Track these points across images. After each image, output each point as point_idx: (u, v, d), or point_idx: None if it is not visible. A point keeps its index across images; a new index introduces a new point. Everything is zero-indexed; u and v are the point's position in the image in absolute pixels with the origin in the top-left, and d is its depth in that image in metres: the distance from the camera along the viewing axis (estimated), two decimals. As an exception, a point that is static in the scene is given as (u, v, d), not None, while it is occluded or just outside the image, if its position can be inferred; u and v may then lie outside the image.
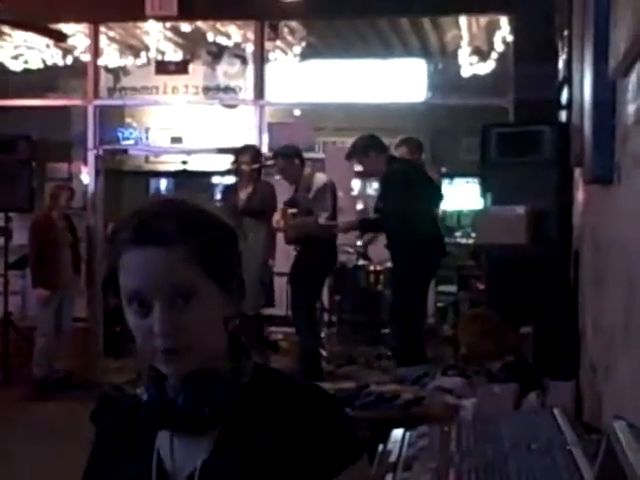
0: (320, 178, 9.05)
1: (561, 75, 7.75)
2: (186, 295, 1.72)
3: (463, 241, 12.98)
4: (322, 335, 9.90)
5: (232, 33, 12.09)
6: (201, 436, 1.79)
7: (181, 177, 15.61)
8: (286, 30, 12.19)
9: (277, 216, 9.01)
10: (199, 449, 1.79)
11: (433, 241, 8.40)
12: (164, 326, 1.71)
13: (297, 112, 13.47)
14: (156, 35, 11.92)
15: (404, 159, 9.01)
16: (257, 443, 1.76)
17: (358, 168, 9.34)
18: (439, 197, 9.07)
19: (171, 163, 15.02)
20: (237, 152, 9.50)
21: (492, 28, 11.43)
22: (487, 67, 12.18)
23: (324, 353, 9.60)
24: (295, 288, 8.92)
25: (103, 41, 11.88)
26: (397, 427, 2.80)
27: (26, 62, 12.65)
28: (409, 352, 7.90)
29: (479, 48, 12.29)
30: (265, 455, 1.74)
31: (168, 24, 11.57)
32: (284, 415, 1.76)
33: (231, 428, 1.78)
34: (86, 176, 11.36)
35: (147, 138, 14.53)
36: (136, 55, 12.83)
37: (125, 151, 14.01)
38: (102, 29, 11.62)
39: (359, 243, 10.55)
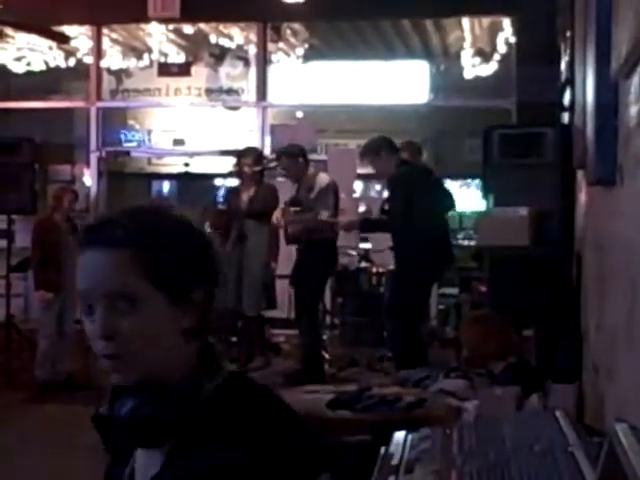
0: (323, 178, 9.04)
1: (563, 77, 7.75)
2: (130, 301, 1.67)
3: (465, 243, 12.98)
4: (324, 337, 9.89)
5: (235, 35, 12.11)
6: (157, 450, 1.73)
7: (183, 179, 15.62)
8: (289, 32, 12.21)
9: (277, 213, 8.96)
10: (155, 463, 1.74)
11: (439, 245, 8.36)
12: (101, 329, 1.69)
13: (300, 114, 13.48)
14: (159, 37, 11.94)
15: (413, 163, 8.98)
16: (208, 458, 1.66)
17: (368, 168, 9.34)
18: (450, 202, 9.02)
19: (173, 165, 15.03)
20: (240, 154, 9.50)
21: (494, 30, 11.45)
22: (489, 69, 12.19)
23: (326, 355, 9.59)
24: (297, 290, 8.91)
25: (106, 43, 11.91)
26: (399, 430, 2.79)
27: (29, 64, 12.67)
28: (410, 355, 7.89)
29: (482, 50, 12.30)
30: (215, 470, 1.65)
31: (171, 26, 11.60)
32: (241, 431, 1.67)
33: (184, 442, 1.70)
34: (88, 178, 11.38)
35: (149, 140, 14.55)
36: (139, 57, 12.85)
37: (127, 153, 14.02)
38: (105, 31, 11.65)
39: (361, 245, 10.55)
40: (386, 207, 8.61)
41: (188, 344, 1.74)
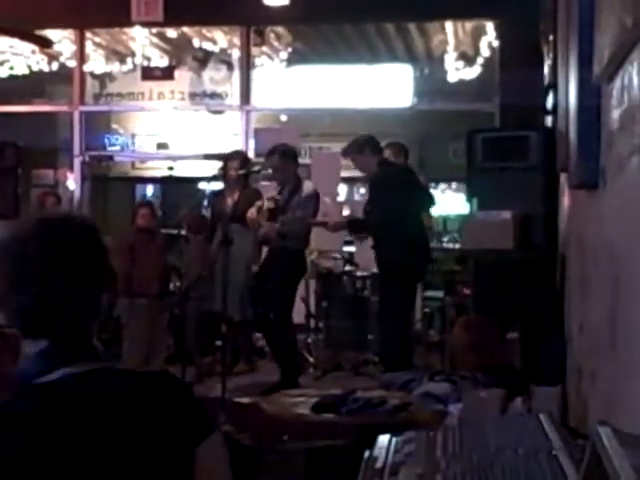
0: (308, 186, 9.03)
1: (546, 80, 7.78)
2: None
3: (450, 246, 12.99)
4: (309, 341, 9.89)
5: (218, 39, 12.11)
6: None
7: (167, 183, 15.60)
8: (272, 36, 12.22)
9: (252, 211, 8.79)
10: None
11: (419, 247, 8.40)
12: None
13: (283, 118, 13.49)
14: (142, 41, 11.93)
15: (394, 163, 9.00)
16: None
17: (352, 172, 9.38)
18: (429, 201, 9.07)
19: (157, 169, 15.01)
20: (225, 158, 9.48)
21: (478, 33, 11.48)
22: (473, 72, 12.22)
23: (311, 359, 9.58)
24: (262, 299, 8.80)
25: (89, 47, 11.89)
26: (383, 433, 2.79)
27: (12, 68, 12.64)
28: (396, 358, 7.89)
29: (465, 53, 12.34)
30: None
31: (154, 30, 11.59)
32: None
33: None
34: (72, 182, 11.36)
35: (133, 144, 14.53)
36: (122, 61, 12.84)
37: (111, 157, 13.99)
38: (88, 35, 11.63)
39: (345, 249, 10.55)
40: (368, 208, 8.63)
41: None
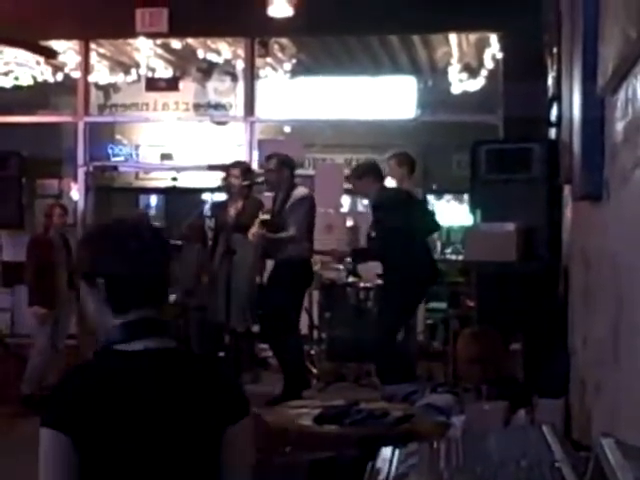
0: (300, 191, 9.02)
1: (550, 92, 7.77)
2: None
3: (453, 258, 12.98)
4: (312, 352, 9.88)
5: (222, 50, 12.12)
6: None
7: (171, 194, 15.59)
8: (276, 47, 12.23)
9: (254, 229, 8.77)
10: None
11: (425, 268, 8.41)
12: None
13: (287, 129, 13.50)
14: (146, 52, 11.95)
15: (396, 188, 9.02)
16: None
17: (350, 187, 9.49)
18: (433, 224, 9.10)
19: (161, 180, 14.99)
20: (228, 167, 9.49)
21: (482, 45, 11.49)
22: (477, 84, 12.23)
23: (314, 370, 9.58)
24: (270, 311, 8.80)
25: (93, 58, 11.90)
26: (386, 445, 2.79)
27: (16, 79, 12.65)
28: (396, 370, 7.89)
29: (469, 65, 12.34)
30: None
31: (158, 41, 11.60)
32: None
33: None
34: (76, 193, 11.36)
35: (137, 155, 14.54)
36: (126, 72, 12.85)
37: (115, 168, 14.00)
38: (92, 46, 11.64)
39: (349, 260, 10.56)
40: (372, 234, 8.66)
41: None
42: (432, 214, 9.40)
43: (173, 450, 2.42)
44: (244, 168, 9.41)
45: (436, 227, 9.27)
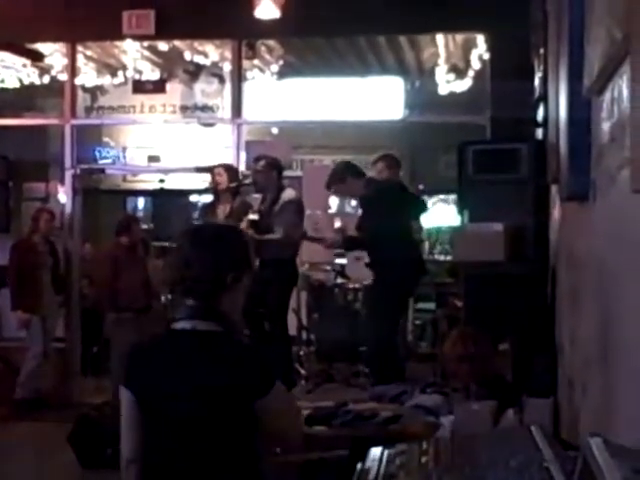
0: (288, 193, 9.03)
1: (537, 93, 7.79)
2: None
3: (441, 258, 13.01)
4: (300, 353, 9.88)
5: (209, 52, 12.10)
6: None
7: (159, 196, 15.59)
8: (264, 49, 12.21)
9: (243, 226, 8.77)
10: None
11: (413, 260, 8.40)
12: None
13: (275, 130, 13.48)
14: (133, 54, 11.92)
15: (382, 180, 8.98)
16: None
17: (336, 194, 9.45)
18: (421, 208, 9.08)
19: (149, 182, 14.98)
20: (212, 170, 9.49)
21: (469, 46, 11.49)
22: (464, 85, 12.24)
23: (302, 371, 9.58)
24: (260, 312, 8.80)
25: (80, 60, 11.86)
26: (375, 445, 2.79)
27: (2, 81, 12.62)
28: (386, 370, 7.88)
29: (456, 66, 12.35)
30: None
31: (145, 43, 11.57)
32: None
33: None
34: (63, 195, 11.32)
35: (124, 157, 14.52)
36: (113, 74, 12.82)
37: (102, 170, 13.95)
38: (79, 48, 11.60)
39: (337, 261, 10.56)
40: (362, 224, 8.63)
41: None
42: (418, 198, 9.43)
43: (203, 419, 2.92)
44: (231, 171, 9.42)
45: (423, 208, 9.22)
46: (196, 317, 3.04)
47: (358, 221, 8.83)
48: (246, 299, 3.39)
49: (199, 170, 11.76)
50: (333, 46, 12.56)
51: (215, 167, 9.36)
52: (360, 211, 8.96)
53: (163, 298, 11.08)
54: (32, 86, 12.67)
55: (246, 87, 11.49)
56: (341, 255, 10.76)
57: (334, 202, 12.22)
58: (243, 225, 8.69)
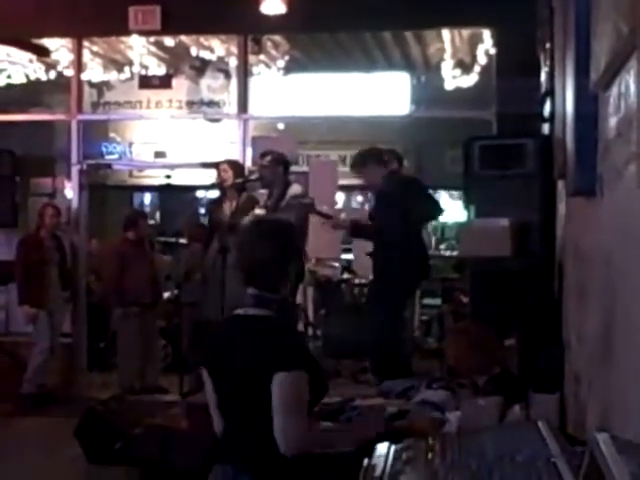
0: (294, 188, 9.01)
1: (543, 88, 7.78)
2: None
3: (447, 253, 13.01)
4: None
5: (215, 47, 12.10)
6: None
7: (165, 191, 15.60)
8: (269, 44, 12.21)
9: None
10: None
11: (418, 261, 8.34)
12: None
13: (281, 126, 13.49)
14: (139, 50, 11.91)
15: (401, 174, 8.91)
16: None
17: (349, 180, 9.33)
18: (436, 210, 8.95)
19: (155, 177, 15.00)
20: (217, 165, 9.49)
21: (475, 41, 11.48)
22: (470, 80, 12.22)
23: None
24: None
25: (86, 56, 11.86)
26: (382, 441, 2.79)
27: (9, 77, 12.62)
28: (391, 366, 7.86)
29: (462, 61, 12.34)
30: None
31: (151, 38, 11.57)
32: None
33: None
34: (70, 191, 11.32)
35: (131, 153, 14.53)
36: (120, 70, 12.82)
37: (109, 166, 13.94)
38: (85, 44, 11.60)
39: (343, 257, 10.55)
40: (374, 215, 8.57)
41: None
42: (434, 199, 9.35)
43: (242, 385, 3.29)
44: (237, 166, 9.41)
45: (439, 211, 9.09)
46: (254, 305, 3.39)
47: (370, 210, 8.79)
48: None
49: (205, 166, 11.76)
50: (339, 41, 12.55)
51: (220, 163, 9.35)
52: (373, 201, 8.89)
53: (169, 293, 11.11)
54: (38, 81, 12.68)
55: (252, 82, 11.48)
56: (348, 251, 10.75)
57: (340, 197, 12.22)
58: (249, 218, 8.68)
